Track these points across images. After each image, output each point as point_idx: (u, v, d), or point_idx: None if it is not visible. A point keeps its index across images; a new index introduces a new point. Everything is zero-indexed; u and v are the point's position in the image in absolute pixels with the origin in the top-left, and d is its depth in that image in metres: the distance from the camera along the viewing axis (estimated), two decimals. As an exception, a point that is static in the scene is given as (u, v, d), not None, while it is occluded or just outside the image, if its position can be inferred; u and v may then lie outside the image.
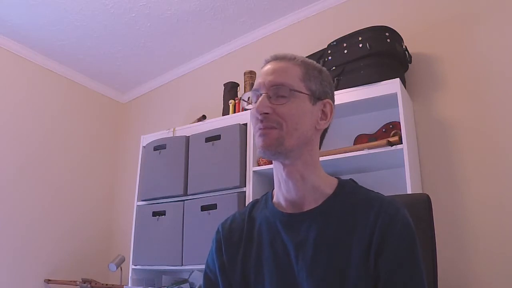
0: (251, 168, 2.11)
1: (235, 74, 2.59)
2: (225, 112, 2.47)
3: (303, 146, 0.86)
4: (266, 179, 2.17)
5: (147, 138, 2.60)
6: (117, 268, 2.48)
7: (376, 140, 1.97)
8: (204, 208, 2.16)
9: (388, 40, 1.94)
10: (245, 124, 2.23)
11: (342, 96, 1.94)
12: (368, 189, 0.90)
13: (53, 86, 2.98)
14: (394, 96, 1.86)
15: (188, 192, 2.27)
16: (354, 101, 1.95)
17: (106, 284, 2.57)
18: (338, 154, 1.89)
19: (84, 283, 2.57)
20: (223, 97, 2.54)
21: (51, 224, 2.78)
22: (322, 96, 0.89)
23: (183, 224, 2.22)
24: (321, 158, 0.95)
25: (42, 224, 2.73)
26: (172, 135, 2.49)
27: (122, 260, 2.51)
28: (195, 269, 2.27)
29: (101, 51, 2.88)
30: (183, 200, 2.28)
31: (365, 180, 1.58)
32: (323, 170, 0.92)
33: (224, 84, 2.57)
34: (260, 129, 0.84)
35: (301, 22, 2.63)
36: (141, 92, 3.39)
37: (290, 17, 2.66)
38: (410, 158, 1.78)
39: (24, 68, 2.81)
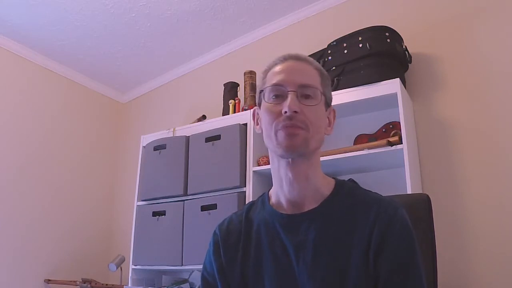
0: (251, 168, 2.12)
1: (235, 74, 2.59)
2: (225, 112, 2.47)
3: (317, 149, 0.88)
4: (266, 179, 2.17)
5: (147, 138, 2.60)
6: (117, 268, 2.48)
7: (376, 140, 1.97)
8: (204, 208, 2.15)
9: (388, 40, 1.94)
10: (245, 124, 2.23)
11: (342, 96, 1.94)
12: (366, 190, 0.91)
13: (53, 86, 2.97)
14: (394, 96, 1.86)
15: (188, 192, 2.27)
16: (354, 101, 1.95)
17: (106, 284, 2.57)
18: (338, 154, 1.89)
19: (84, 283, 2.56)
20: (223, 97, 2.54)
21: (51, 224, 2.78)
22: (330, 103, 0.92)
23: (183, 224, 2.22)
24: (321, 158, 0.95)
25: (42, 224, 2.73)
26: (172, 135, 2.49)
27: (122, 260, 2.51)
28: (195, 269, 2.27)
29: (101, 51, 2.88)
30: (183, 200, 2.28)
31: (365, 180, 1.59)
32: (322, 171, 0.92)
33: (224, 84, 2.57)
34: (287, 127, 0.83)
35: (301, 22, 2.63)
36: (141, 92, 3.39)
37: (290, 17, 2.65)
38: (410, 158, 1.78)
39: (24, 68, 2.81)
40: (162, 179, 2.38)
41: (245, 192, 2.09)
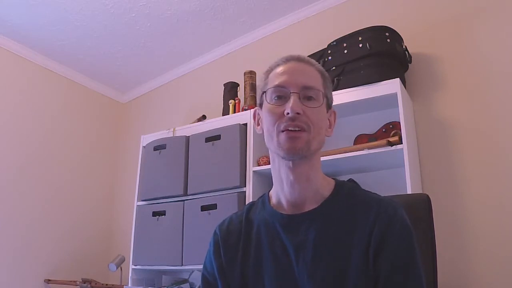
0: (251, 168, 2.12)
1: (235, 74, 2.59)
2: (225, 112, 2.47)
3: (318, 150, 0.88)
4: (266, 179, 2.17)
5: (147, 138, 2.60)
6: (117, 268, 2.48)
7: (376, 140, 1.97)
8: (204, 208, 2.16)
9: (388, 40, 1.94)
10: (245, 124, 2.23)
11: (342, 96, 1.94)
12: (365, 190, 0.91)
13: (53, 86, 2.97)
14: (394, 96, 1.86)
15: (188, 192, 2.27)
16: (354, 101, 1.95)
17: (106, 284, 2.57)
18: (338, 154, 1.89)
19: (84, 283, 2.56)
20: (223, 97, 2.54)
21: (51, 224, 2.78)
22: (331, 105, 0.92)
23: (183, 224, 2.22)
24: (321, 158, 0.95)
25: (42, 224, 2.73)
26: (172, 135, 2.49)
27: (122, 260, 2.51)
28: (195, 269, 2.27)
29: (101, 51, 2.88)
30: (183, 200, 2.28)
31: (365, 180, 1.60)
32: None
33: (224, 84, 2.57)
34: (289, 129, 0.83)
35: (301, 22, 2.63)
36: (141, 92, 3.39)
37: (290, 17, 2.65)
38: (410, 158, 1.78)
39: (24, 68, 2.81)
40: (162, 179, 2.38)
41: (245, 192, 2.09)
